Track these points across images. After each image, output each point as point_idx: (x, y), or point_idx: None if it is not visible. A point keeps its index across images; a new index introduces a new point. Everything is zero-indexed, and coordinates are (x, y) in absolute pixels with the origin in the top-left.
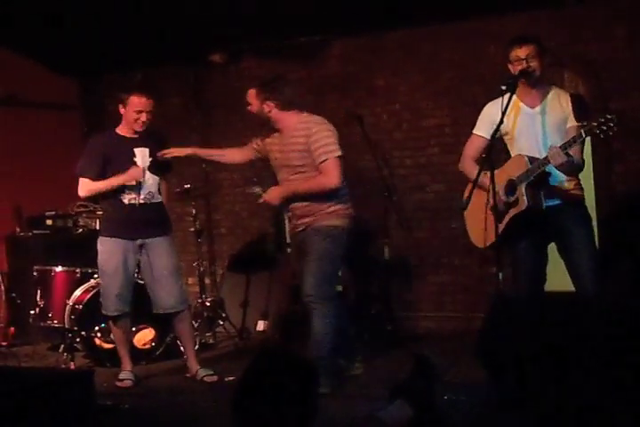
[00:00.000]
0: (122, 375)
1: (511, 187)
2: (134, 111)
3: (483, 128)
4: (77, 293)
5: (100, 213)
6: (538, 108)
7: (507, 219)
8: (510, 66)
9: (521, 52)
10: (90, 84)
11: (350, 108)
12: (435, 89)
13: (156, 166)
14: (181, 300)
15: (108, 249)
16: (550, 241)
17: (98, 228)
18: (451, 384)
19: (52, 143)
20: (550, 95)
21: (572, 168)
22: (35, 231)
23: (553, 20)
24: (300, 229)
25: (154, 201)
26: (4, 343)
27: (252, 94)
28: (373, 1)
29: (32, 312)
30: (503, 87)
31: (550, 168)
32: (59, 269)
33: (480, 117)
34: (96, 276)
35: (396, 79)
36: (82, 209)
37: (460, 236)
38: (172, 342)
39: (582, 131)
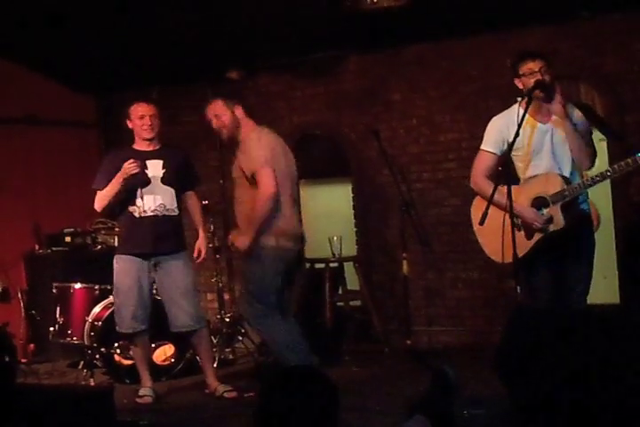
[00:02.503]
0: (141, 392)
1: (540, 204)
2: (138, 118)
3: (492, 144)
4: (96, 309)
5: (118, 229)
6: (550, 124)
7: (538, 236)
8: (520, 81)
9: (534, 66)
10: (107, 102)
11: (367, 123)
12: (451, 103)
13: (172, 179)
14: (197, 318)
15: (123, 268)
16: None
17: (117, 244)
18: (470, 399)
19: (70, 161)
20: None
21: None
22: (53, 248)
23: (569, 34)
24: None
25: (167, 214)
26: (23, 360)
27: (219, 105)
28: (389, 16)
29: (51, 329)
30: (519, 99)
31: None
32: (78, 285)
33: (488, 132)
34: None
35: (413, 94)
36: (100, 226)
37: (479, 250)
38: (191, 358)
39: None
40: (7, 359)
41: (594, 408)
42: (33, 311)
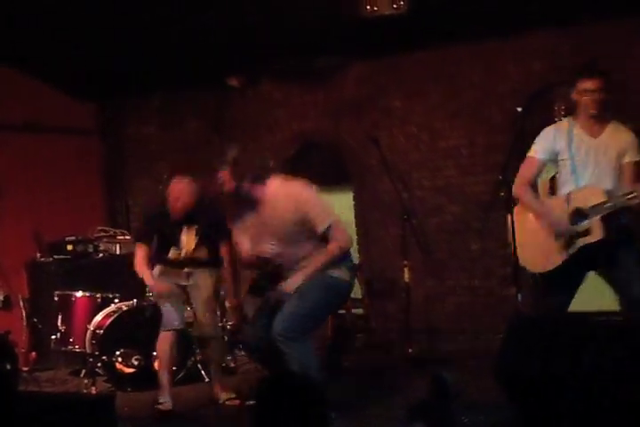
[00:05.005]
0: (162, 399)
1: (579, 216)
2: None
3: (542, 151)
4: (98, 317)
5: (121, 237)
6: (599, 139)
7: (575, 248)
8: (577, 96)
9: (591, 85)
10: (109, 109)
11: (367, 130)
12: (451, 110)
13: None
14: (219, 327)
15: (157, 273)
16: (592, 269)
17: (118, 252)
18: (469, 405)
19: (71, 168)
20: (610, 127)
21: None
22: (55, 256)
23: (570, 39)
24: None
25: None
26: (25, 368)
27: (226, 174)
28: (389, 23)
29: (53, 337)
30: (519, 109)
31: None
32: (79, 294)
33: (538, 141)
34: (116, 300)
35: (413, 100)
36: (102, 234)
37: (479, 257)
38: (193, 366)
39: None
40: (9, 367)
41: (595, 414)
42: (35, 319)
